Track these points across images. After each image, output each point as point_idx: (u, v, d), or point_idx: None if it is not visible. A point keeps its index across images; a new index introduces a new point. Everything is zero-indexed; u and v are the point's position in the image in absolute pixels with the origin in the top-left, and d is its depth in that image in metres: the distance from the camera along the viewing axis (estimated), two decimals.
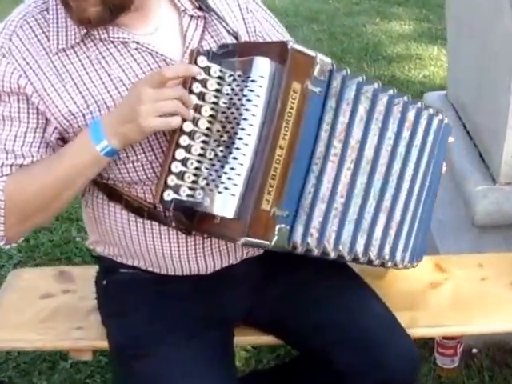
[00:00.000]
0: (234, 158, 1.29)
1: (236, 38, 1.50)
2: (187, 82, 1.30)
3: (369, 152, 1.44)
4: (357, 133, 1.41)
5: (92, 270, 1.73)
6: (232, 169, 1.28)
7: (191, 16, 1.48)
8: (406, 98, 1.49)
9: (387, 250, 1.54)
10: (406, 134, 1.51)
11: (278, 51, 1.29)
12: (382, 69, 5.00)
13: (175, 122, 1.27)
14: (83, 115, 1.39)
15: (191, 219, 1.36)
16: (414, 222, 1.59)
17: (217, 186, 1.30)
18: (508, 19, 2.28)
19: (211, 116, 1.31)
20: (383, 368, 1.54)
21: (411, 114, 1.51)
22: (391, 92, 1.46)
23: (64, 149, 1.38)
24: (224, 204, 1.29)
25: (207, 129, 1.31)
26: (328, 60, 1.32)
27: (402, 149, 1.51)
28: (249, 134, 1.28)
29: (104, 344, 1.64)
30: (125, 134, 1.30)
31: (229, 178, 1.28)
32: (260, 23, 1.61)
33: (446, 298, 1.91)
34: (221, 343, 1.56)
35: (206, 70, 1.30)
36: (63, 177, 1.36)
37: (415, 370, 1.64)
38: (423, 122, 1.54)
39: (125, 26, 1.41)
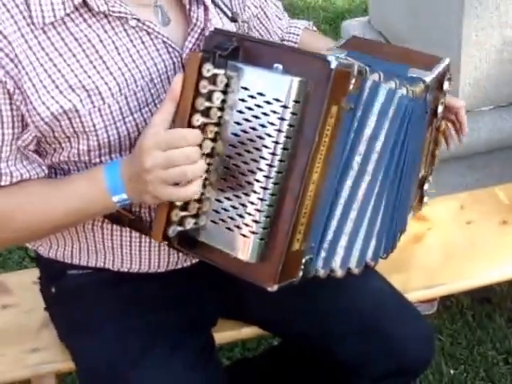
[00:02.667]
0: (261, 200, 1.08)
1: (235, 20, 1.27)
2: (189, 97, 1.07)
3: (384, 161, 1.25)
4: (378, 143, 1.22)
5: (28, 276, 1.57)
6: (259, 211, 1.09)
7: None
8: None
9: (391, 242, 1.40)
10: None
11: (313, 68, 1.05)
12: None
13: (192, 191, 1.09)
14: (69, 118, 1.15)
15: (193, 248, 1.19)
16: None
17: (238, 227, 1.11)
18: None
19: (216, 133, 1.11)
20: (396, 353, 1.40)
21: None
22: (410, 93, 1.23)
23: (72, 189, 1.20)
24: (247, 248, 1.11)
25: (212, 148, 1.11)
26: (363, 65, 1.10)
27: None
28: (279, 172, 1.07)
29: (69, 365, 1.46)
30: (142, 195, 1.13)
31: (256, 221, 1.09)
32: None
33: (435, 253, 1.77)
34: (204, 347, 1.38)
35: (212, 79, 1.07)
36: (67, 219, 1.22)
37: (429, 343, 1.49)
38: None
39: None
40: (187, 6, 1.24)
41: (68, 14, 1.12)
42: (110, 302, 1.37)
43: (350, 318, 1.41)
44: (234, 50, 1.10)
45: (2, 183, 1.17)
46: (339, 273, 1.29)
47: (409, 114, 1.21)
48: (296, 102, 1.04)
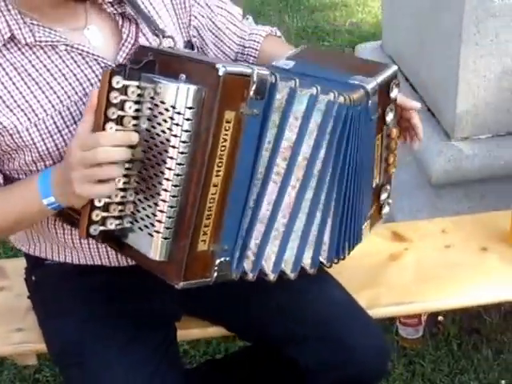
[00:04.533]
0: (163, 201, 1.16)
1: (158, 36, 1.33)
2: (102, 107, 1.15)
3: (316, 167, 1.28)
4: (305, 149, 1.25)
5: (24, 263, 1.62)
6: (161, 211, 1.17)
7: (121, 13, 1.36)
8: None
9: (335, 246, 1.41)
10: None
11: (206, 77, 1.12)
12: (304, 19, 4.78)
13: (109, 189, 1.17)
14: (11, 134, 1.28)
15: (122, 247, 1.27)
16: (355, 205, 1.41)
17: (147, 227, 1.20)
18: None
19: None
20: (348, 363, 1.44)
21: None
22: (342, 99, 1.25)
23: (12, 194, 1.32)
24: (155, 247, 1.19)
25: (130, 154, 1.19)
26: (266, 73, 1.15)
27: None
28: (178, 175, 1.15)
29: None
30: (68, 196, 1.22)
31: (159, 221, 1.17)
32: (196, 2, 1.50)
33: (409, 271, 1.76)
34: (162, 342, 1.45)
35: (123, 90, 1.16)
36: (11, 219, 1.32)
37: (385, 358, 1.53)
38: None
39: (52, 22, 1.30)
40: (120, 22, 1.35)
41: (4, 45, 1.26)
42: (79, 291, 1.47)
43: (308, 324, 1.45)
44: (149, 63, 1.21)
45: None
46: (271, 276, 1.32)
47: (343, 119, 1.24)
48: (190, 108, 1.12)
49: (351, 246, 1.42)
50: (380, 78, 1.33)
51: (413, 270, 1.75)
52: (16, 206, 1.29)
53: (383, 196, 1.45)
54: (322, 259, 1.37)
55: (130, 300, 1.45)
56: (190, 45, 1.46)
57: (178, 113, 1.12)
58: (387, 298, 1.67)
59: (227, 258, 1.23)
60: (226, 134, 1.13)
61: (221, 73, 1.09)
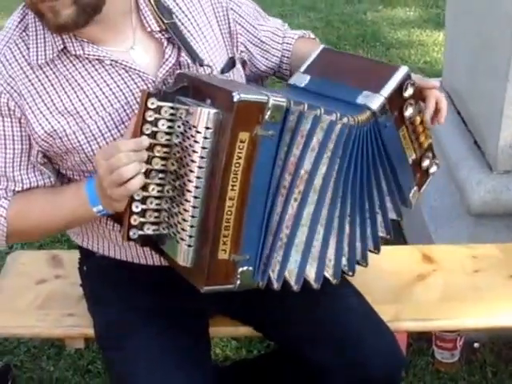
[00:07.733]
0: (185, 210, 1.30)
1: (195, 61, 1.48)
2: (138, 123, 1.31)
3: (317, 182, 1.40)
4: (307, 164, 1.38)
5: (78, 255, 1.76)
6: (184, 220, 1.30)
7: (168, 38, 1.49)
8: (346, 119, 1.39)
9: (344, 262, 1.52)
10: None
11: (223, 101, 1.27)
12: (379, 55, 4.81)
13: (135, 185, 1.30)
14: (60, 137, 1.44)
15: (161, 252, 1.41)
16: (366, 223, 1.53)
17: (174, 234, 1.33)
18: (506, 1, 2.19)
19: (165, 153, 1.33)
20: (359, 365, 1.51)
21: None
22: (345, 120, 1.38)
23: (61, 200, 1.47)
24: (181, 253, 1.32)
25: (163, 165, 1.34)
26: (282, 100, 1.28)
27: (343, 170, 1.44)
28: (197, 187, 1.29)
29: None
30: (109, 203, 1.36)
31: (183, 229, 1.30)
32: (241, 17, 1.62)
33: (435, 291, 1.83)
34: (195, 333, 1.57)
35: (157, 110, 1.31)
36: (63, 223, 1.51)
37: (397, 365, 1.60)
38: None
39: (101, 42, 1.45)
40: (164, 44, 1.49)
41: (59, 56, 1.42)
42: (123, 283, 1.62)
43: (327, 326, 1.56)
44: (183, 87, 1.37)
45: (17, 188, 1.48)
46: (295, 287, 1.44)
47: (348, 139, 1.38)
48: (207, 128, 1.27)
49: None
50: (390, 87, 1.44)
51: (439, 290, 1.82)
52: (65, 210, 1.46)
53: (425, 162, 1.57)
54: (327, 275, 1.48)
55: (167, 295, 1.57)
56: (231, 62, 1.59)
57: (198, 132, 1.27)
58: (410, 314, 1.74)
59: (250, 268, 1.34)
60: (241, 153, 1.26)
61: (235, 99, 1.24)
